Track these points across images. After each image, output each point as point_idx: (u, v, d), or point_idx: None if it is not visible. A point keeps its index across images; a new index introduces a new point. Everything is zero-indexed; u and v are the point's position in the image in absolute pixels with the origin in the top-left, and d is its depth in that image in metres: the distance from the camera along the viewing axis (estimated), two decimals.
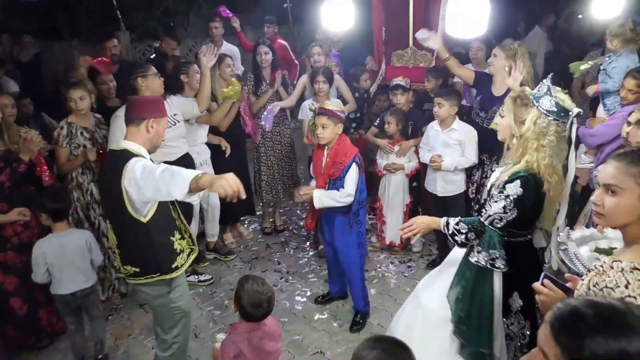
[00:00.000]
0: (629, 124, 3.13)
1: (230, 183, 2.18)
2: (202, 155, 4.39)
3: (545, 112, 2.34)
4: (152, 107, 2.62)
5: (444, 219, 2.55)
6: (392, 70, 5.24)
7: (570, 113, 2.34)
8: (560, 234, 2.12)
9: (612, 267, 1.57)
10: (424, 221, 2.63)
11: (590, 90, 4.36)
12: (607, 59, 4.23)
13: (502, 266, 2.46)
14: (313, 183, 3.58)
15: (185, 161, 3.92)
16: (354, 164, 3.39)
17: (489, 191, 2.56)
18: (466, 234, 2.45)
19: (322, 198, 3.43)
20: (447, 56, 4.24)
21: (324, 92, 4.51)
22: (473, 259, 2.50)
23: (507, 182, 2.39)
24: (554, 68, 7.47)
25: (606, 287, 1.55)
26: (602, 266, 1.62)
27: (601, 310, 1.09)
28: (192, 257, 2.85)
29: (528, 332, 2.55)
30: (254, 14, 9.22)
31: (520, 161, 2.40)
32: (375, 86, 5.29)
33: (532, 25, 7.70)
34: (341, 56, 5.59)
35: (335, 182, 3.43)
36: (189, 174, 2.27)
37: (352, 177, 3.39)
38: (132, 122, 2.61)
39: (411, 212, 4.57)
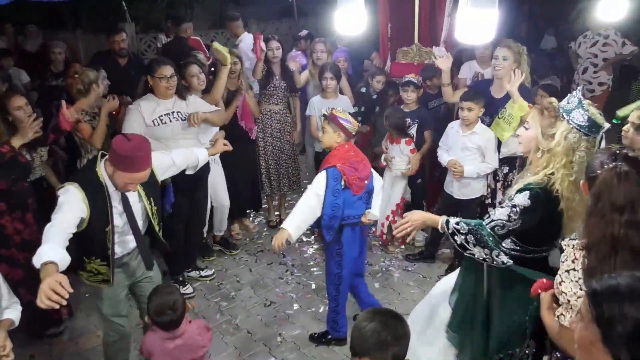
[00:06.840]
0: (633, 124, 3.16)
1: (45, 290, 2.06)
2: None
3: (576, 126, 2.21)
4: (113, 157, 2.54)
5: (443, 217, 2.41)
6: (397, 66, 5.27)
7: (602, 128, 2.23)
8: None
9: (568, 246, 1.87)
10: (418, 217, 2.49)
11: None
12: None
13: (505, 260, 2.29)
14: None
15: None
16: (323, 171, 3.21)
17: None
18: (465, 235, 2.30)
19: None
20: (448, 82, 4.26)
21: (331, 89, 4.56)
22: (467, 253, 2.33)
23: (517, 191, 2.30)
24: (559, 64, 7.57)
25: (560, 261, 1.87)
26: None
27: (633, 283, 1.18)
28: (105, 285, 2.83)
29: (527, 351, 2.39)
30: (258, 6, 9.25)
31: (538, 173, 2.28)
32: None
33: (534, 25, 7.74)
34: (348, 51, 5.62)
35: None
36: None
37: (320, 180, 3.21)
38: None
39: (402, 211, 4.44)
